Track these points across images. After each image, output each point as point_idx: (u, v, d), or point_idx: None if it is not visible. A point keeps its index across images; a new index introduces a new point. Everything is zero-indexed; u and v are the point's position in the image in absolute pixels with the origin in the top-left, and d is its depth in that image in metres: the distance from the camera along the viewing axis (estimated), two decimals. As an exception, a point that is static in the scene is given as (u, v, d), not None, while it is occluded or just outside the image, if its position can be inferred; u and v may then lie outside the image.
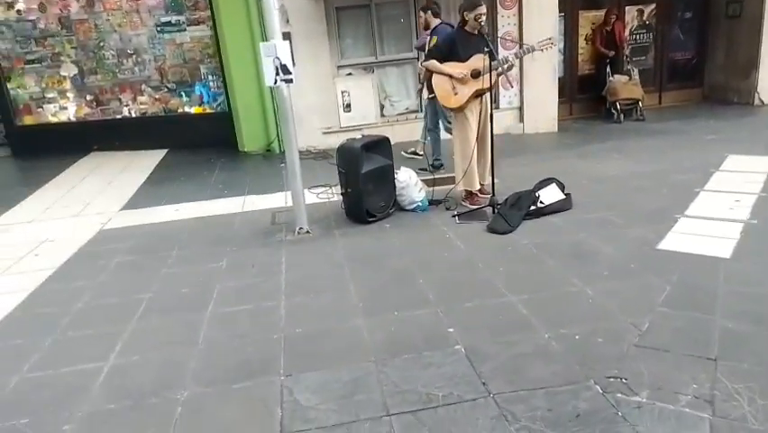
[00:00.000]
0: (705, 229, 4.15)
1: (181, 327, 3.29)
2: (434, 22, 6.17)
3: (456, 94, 4.89)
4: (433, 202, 5.21)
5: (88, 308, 3.66)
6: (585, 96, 9.50)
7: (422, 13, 6.43)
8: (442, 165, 6.35)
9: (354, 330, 3.10)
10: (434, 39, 5.87)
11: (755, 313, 2.93)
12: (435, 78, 5.01)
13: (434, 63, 4.97)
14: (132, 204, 6.09)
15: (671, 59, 9.84)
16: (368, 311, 3.31)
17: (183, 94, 8.94)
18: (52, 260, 4.55)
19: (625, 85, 8.71)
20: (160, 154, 8.46)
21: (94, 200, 6.30)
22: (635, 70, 8.97)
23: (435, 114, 6.41)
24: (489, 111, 4.85)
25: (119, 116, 9.07)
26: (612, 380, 2.48)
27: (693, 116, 8.56)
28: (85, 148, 8.86)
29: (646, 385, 2.42)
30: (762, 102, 8.98)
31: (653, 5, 9.49)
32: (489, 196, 4.90)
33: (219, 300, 3.60)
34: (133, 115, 9.06)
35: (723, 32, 9.44)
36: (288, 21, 7.69)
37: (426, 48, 6.05)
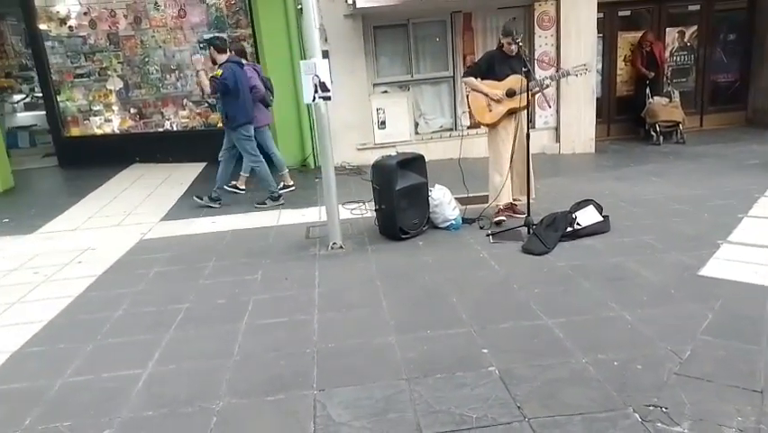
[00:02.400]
0: (749, 256, 4.03)
1: (217, 338, 3.34)
2: (221, 57, 6.06)
3: (491, 111, 4.97)
4: (466, 221, 5.19)
5: (128, 316, 3.75)
6: (623, 117, 9.39)
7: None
8: (219, 199, 6.42)
9: (386, 347, 3.10)
10: (219, 72, 5.87)
11: (804, 345, 2.82)
12: (472, 95, 5.10)
13: (471, 80, 5.03)
14: (171, 215, 6.24)
15: (713, 82, 9.65)
16: (400, 328, 3.30)
17: (223, 109, 9.15)
18: (94, 268, 4.69)
19: (665, 107, 8.57)
20: (199, 167, 8.67)
21: (134, 210, 6.48)
22: (676, 92, 8.83)
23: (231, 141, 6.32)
24: (526, 130, 4.84)
25: (161, 129, 9.36)
26: (652, 408, 2.41)
27: (736, 140, 8.35)
28: (127, 159, 9.16)
29: (688, 416, 2.35)
30: (809, 126, 8.71)
31: (695, 27, 9.36)
32: (524, 216, 4.86)
33: (254, 312, 3.64)
34: (175, 129, 9.33)
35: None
36: (326, 39, 7.83)
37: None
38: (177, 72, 9.16)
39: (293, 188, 7.06)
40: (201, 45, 8.91)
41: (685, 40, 9.41)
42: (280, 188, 6.86)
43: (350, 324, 3.43)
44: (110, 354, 3.24)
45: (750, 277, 3.66)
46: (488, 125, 5.10)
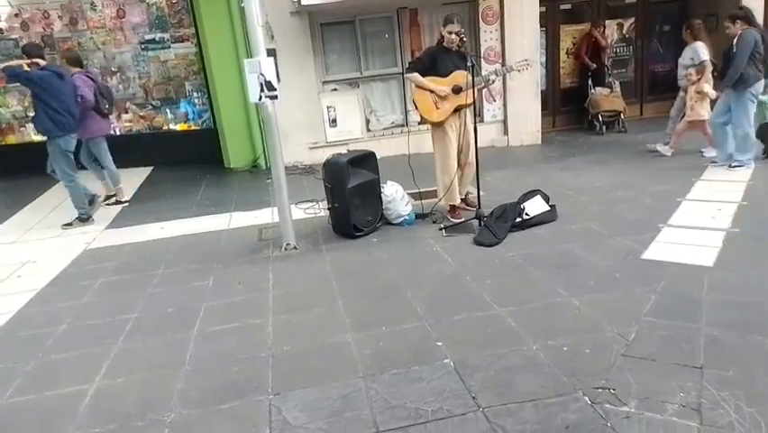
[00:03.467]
0: (688, 238, 4.21)
1: (167, 348, 3.25)
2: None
3: (438, 108, 4.95)
4: (419, 216, 5.23)
5: (72, 330, 3.60)
6: (568, 108, 9.65)
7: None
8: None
9: (342, 346, 3.09)
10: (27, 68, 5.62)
11: (739, 321, 2.96)
12: (417, 93, 5.05)
13: (416, 77, 5.00)
14: (117, 223, 6.04)
15: (651, 72, 10.02)
16: (356, 326, 3.29)
17: (168, 111, 8.91)
18: (35, 281, 4.48)
19: (606, 97, 8.85)
20: (145, 172, 8.42)
21: (78, 219, 6.22)
22: (617, 83, 9.13)
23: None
24: (473, 125, 4.88)
25: (103, 134, 8.99)
26: (600, 391, 2.49)
27: (674, 127, 8.69)
28: (68, 167, 8.76)
29: (634, 395, 2.43)
30: (740, 112, 9.14)
31: (632, 19, 9.69)
32: (474, 208, 4.92)
33: (205, 319, 3.56)
34: (118, 133, 8.98)
35: (701, 45, 9.62)
36: (272, 37, 7.73)
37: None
38: (118, 75, 8.84)
39: (126, 203, 6.72)
40: (143, 47, 8.65)
41: (623, 32, 9.73)
42: (113, 203, 6.63)
43: (305, 325, 3.39)
44: (54, 371, 3.11)
45: (689, 258, 3.83)
46: (435, 124, 5.06)
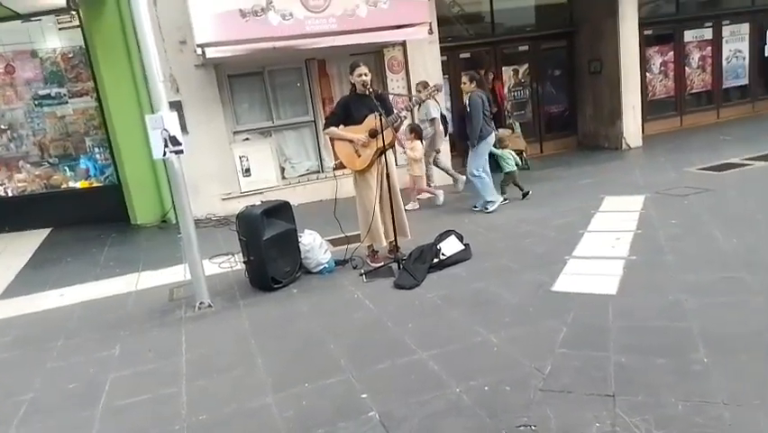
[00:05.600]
0: (592, 268, 4.46)
1: (68, 429, 2.97)
2: None
3: (360, 156, 4.93)
4: (339, 262, 5.20)
5: (-45, 420, 3.21)
6: (474, 149, 10.08)
7: None
8: None
9: (263, 409, 2.96)
10: None
11: (643, 346, 3.14)
12: (338, 144, 5.04)
13: (333, 130, 5.01)
14: (11, 292, 5.54)
15: (547, 112, 10.79)
16: (277, 386, 3.17)
17: (67, 168, 8.41)
18: None
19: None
20: (42, 234, 7.84)
21: (-37, 292, 5.66)
22: (517, 124, 9.73)
23: None
24: (393, 167, 4.93)
25: (-7, 196, 8.33)
26: (522, 428, 2.53)
27: (570, 163, 9.33)
28: (-47, 233, 8.02)
29: (554, 430, 2.49)
30: (628, 146, 10.02)
31: (527, 65, 10.43)
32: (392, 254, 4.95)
33: (112, 393, 3.30)
34: (10, 194, 8.36)
35: (588, 87, 10.52)
36: (177, 90, 7.59)
37: None
38: (9, 132, 8.28)
39: None
40: (37, 102, 8.18)
41: (519, 77, 10.44)
42: None
43: (222, 390, 3.22)
44: (-69, 471, 2.75)
45: (594, 287, 4.04)
46: (359, 171, 4.99)
